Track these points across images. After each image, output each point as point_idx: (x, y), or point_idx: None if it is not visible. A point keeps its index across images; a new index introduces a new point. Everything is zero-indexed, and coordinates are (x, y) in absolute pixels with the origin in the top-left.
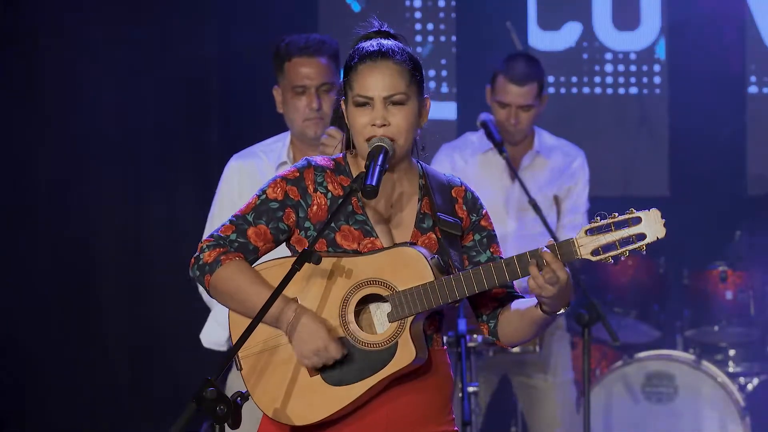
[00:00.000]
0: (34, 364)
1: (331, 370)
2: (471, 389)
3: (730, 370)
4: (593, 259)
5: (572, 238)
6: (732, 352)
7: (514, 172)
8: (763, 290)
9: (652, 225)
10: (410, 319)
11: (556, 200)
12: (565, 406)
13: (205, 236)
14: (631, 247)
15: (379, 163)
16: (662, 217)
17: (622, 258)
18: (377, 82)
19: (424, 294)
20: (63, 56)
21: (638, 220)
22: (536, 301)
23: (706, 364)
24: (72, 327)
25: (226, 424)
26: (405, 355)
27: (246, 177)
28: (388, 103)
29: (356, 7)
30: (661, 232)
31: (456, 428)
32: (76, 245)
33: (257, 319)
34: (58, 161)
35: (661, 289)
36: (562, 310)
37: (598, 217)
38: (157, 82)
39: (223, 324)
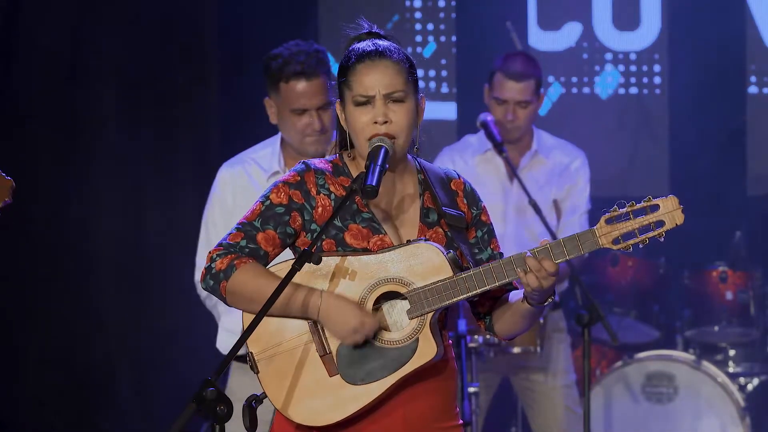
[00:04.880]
0: (33, 365)
1: (352, 369)
2: (471, 389)
3: (730, 370)
4: (614, 248)
5: (593, 228)
6: (732, 352)
7: (514, 173)
8: (763, 290)
9: (670, 211)
10: (430, 315)
11: (555, 203)
12: (567, 409)
13: (200, 247)
14: (650, 234)
15: (380, 163)
16: (680, 203)
17: (641, 246)
18: (377, 80)
19: (444, 289)
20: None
21: (656, 208)
22: (522, 294)
23: (706, 364)
24: (72, 328)
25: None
26: (427, 350)
27: (239, 184)
28: (388, 101)
29: None
30: (679, 219)
31: (460, 421)
32: (77, 246)
33: (260, 315)
34: (57, 165)
35: (661, 289)
36: (548, 302)
37: (617, 206)
38: (157, 86)
39: (231, 330)
